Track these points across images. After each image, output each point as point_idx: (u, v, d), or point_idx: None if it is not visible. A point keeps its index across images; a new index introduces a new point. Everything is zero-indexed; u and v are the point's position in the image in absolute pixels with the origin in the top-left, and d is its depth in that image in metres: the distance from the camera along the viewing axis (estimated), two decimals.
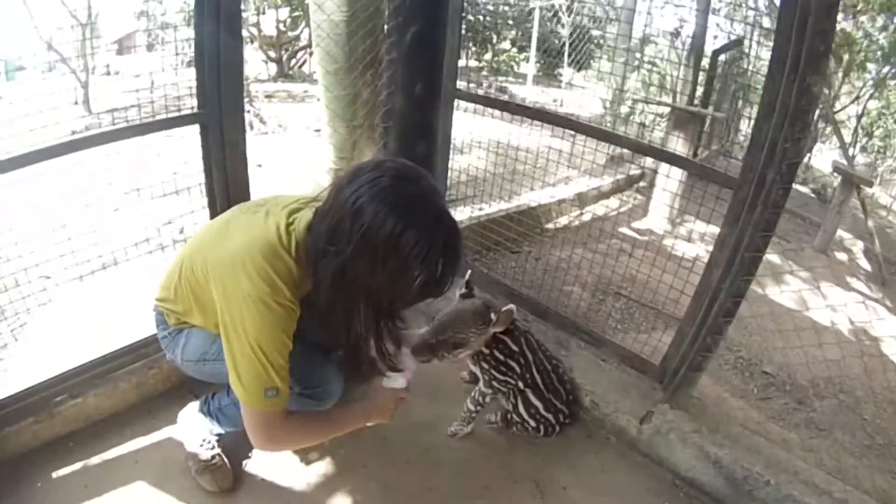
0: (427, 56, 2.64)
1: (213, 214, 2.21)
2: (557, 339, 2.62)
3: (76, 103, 8.23)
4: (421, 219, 1.37)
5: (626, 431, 2.32)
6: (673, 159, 2.43)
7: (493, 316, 1.98)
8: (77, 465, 1.98)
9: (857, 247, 6.69)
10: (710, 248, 2.13)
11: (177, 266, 1.75)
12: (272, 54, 11.84)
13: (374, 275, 1.40)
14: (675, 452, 2.20)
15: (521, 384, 2.20)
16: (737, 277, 2.01)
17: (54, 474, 1.94)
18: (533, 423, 2.24)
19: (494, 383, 2.17)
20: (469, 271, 2.18)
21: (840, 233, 6.46)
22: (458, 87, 2.68)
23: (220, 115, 2.10)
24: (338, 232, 1.40)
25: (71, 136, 1.94)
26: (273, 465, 2.07)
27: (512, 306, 1.99)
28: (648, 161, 6.07)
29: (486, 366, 2.14)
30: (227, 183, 2.19)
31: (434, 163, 2.85)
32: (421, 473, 2.12)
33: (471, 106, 2.80)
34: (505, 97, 8.62)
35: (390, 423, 1.88)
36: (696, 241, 4.84)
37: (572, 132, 2.59)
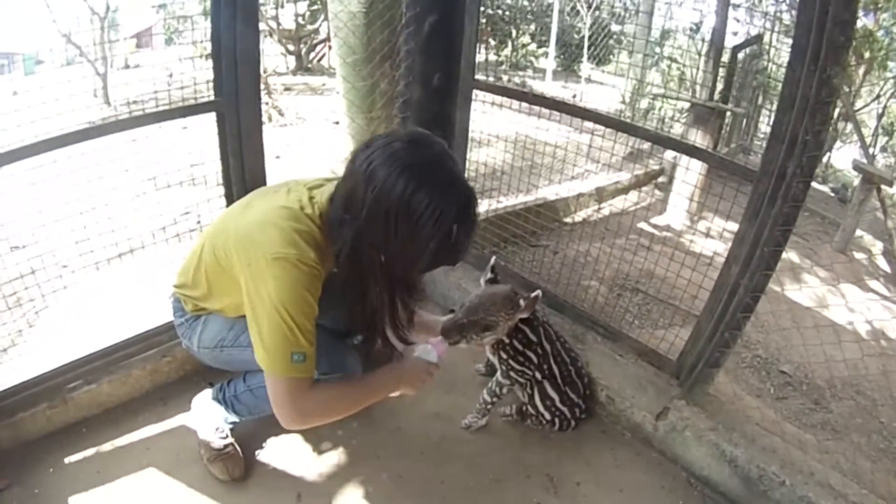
0: (445, 46, 2.60)
1: (230, 203, 2.20)
2: (574, 332, 2.59)
3: (95, 96, 8.27)
4: (433, 181, 1.37)
5: (642, 427, 2.28)
6: (692, 151, 2.39)
7: (521, 301, 1.97)
8: (90, 451, 1.99)
9: (877, 247, 6.57)
10: (730, 244, 2.09)
11: (196, 251, 1.76)
12: (291, 48, 11.85)
13: (387, 239, 1.40)
14: (690, 450, 2.16)
15: (538, 375, 2.18)
16: (756, 272, 1.97)
17: (67, 460, 1.95)
18: (548, 416, 2.22)
19: (512, 373, 2.15)
20: (494, 258, 2.17)
21: (859, 232, 6.35)
22: (476, 77, 2.64)
23: (236, 103, 2.09)
24: (353, 198, 1.41)
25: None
26: (285, 454, 2.07)
27: (538, 292, 1.98)
28: (668, 156, 6.09)
29: (504, 355, 2.13)
30: (243, 172, 2.19)
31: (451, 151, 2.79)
32: (433, 465, 2.11)
33: (489, 99, 2.77)
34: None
35: (417, 394, 1.86)
36: (714, 238, 4.78)
37: (591, 126, 2.55)
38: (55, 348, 2.21)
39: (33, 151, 1.76)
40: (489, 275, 2.11)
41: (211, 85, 2.09)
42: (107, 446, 2.02)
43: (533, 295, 1.97)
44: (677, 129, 6.08)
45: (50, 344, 2.32)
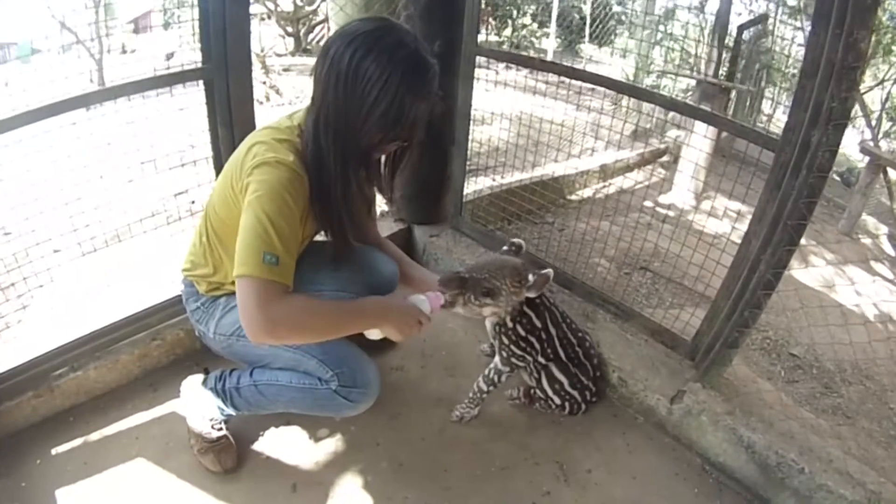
0: (446, 10, 2.51)
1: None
2: (584, 310, 2.52)
3: (91, 81, 8.17)
4: (381, 46, 1.39)
5: (655, 411, 2.21)
6: (710, 118, 2.32)
7: (530, 276, 1.85)
8: (77, 441, 1.93)
9: (882, 231, 6.56)
10: (736, 223, 2.01)
11: (200, 225, 1.77)
12: (290, 29, 11.81)
13: (337, 110, 1.43)
14: (705, 435, 2.09)
15: (541, 359, 2.09)
16: (778, 247, 1.89)
17: (54, 450, 1.89)
18: (557, 400, 2.14)
19: (513, 359, 2.05)
20: (520, 241, 2.05)
21: (864, 216, 6.35)
22: (478, 43, 2.56)
23: (225, 70, 2.00)
24: (314, 84, 1.49)
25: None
26: (279, 442, 1.99)
27: (550, 271, 1.86)
28: (671, 135, 5.99)
29: (505, 340, 2.01)
30: (233, 144, 2.08)
31: (454, 124, 2.74)
32: (436, 452, 2.03)
33: (492, 78, 2.68)
34: (526, 69, 8.41)
35: (402, 341, 1.75)
36: (721, 217, 4.72)
37: (598, 105, 2.47)
38: (42, 335, 2.13)
39: (17, 123, 1.69)
40: (505, 248, 2.00)
41: None
42: (95, 436, 1.95)
43: (543, 272, 1.85)
44: None
45: (36, 330, 2.25)
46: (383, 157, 1.74)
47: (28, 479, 1.79)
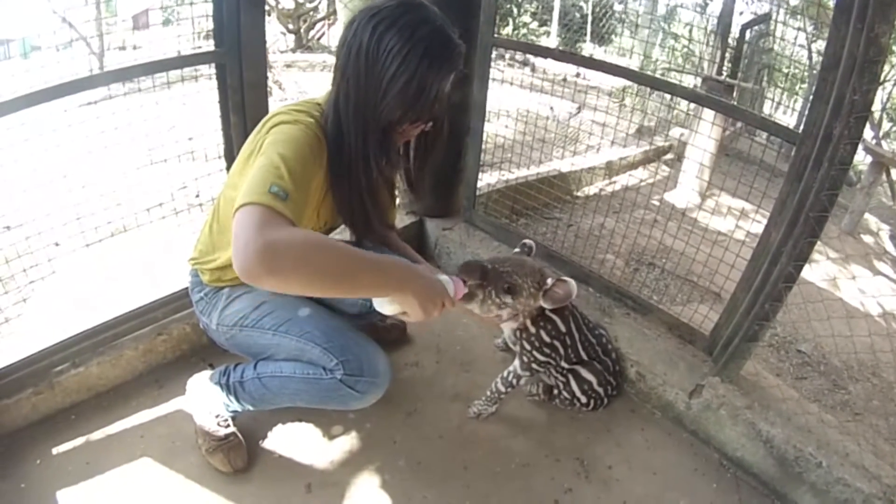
0: (463, 0, 2.47)
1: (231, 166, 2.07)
2: (600, 305, 2.49)
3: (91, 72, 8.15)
4: (405, 20, 1.38)
5: (674, 406, 2.18)
6: (731, 110, 2.30)
7: (549, 280, 1.77)
8: (79, 441, 1.87)
9: (884, 230, 6.62)
10: (741, 221, 2.00)
11: (211, 213, 1.75)
12: (290, 26, 11.86)
13: (357, 84, 1.42)
14: (724, 430, 2.07)
15: (564, 364, 2.05)
16: (800, 239, 1.87)
17: (55, 450, 1.83)
18: (584, 399, 2.10)
19: (534, 365, 1.99)
20: (531, 242, 1.96)
21: (866, 216, 6.40)
22: (495, 34, 2.52)
23: (238, 52, 1.97)
24: (336, 57, 1.47)
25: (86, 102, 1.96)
26: (291, 440, 1.94)
27: (573, 282, 1.74)
28: (675, 133, 6.00)
29: (528, 346, 1.95)
30: (245, 130, 2.05)
31: (468, 118, 2.71)
32: (455, 450, 1.98)
33: (498, 77, 2.65)
34: (528, 68, 8.47)
35: (418, 321, 1.47)
36: (725, 215, 4.72)
37: (605, 104, 2.45)
38: (42, 329, 2.08)
39: (19, 105, 1.64)
40: (517, 249, 1.92)
41: None
42: (97, 434, 1.89)
43: (564, 280, 1.75)
44: (684, 105, 6.01)
45: (37, 324, 2.18)
46: (412, 151, 1.70)
47: (28, 480, 1.72)
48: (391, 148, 1.57)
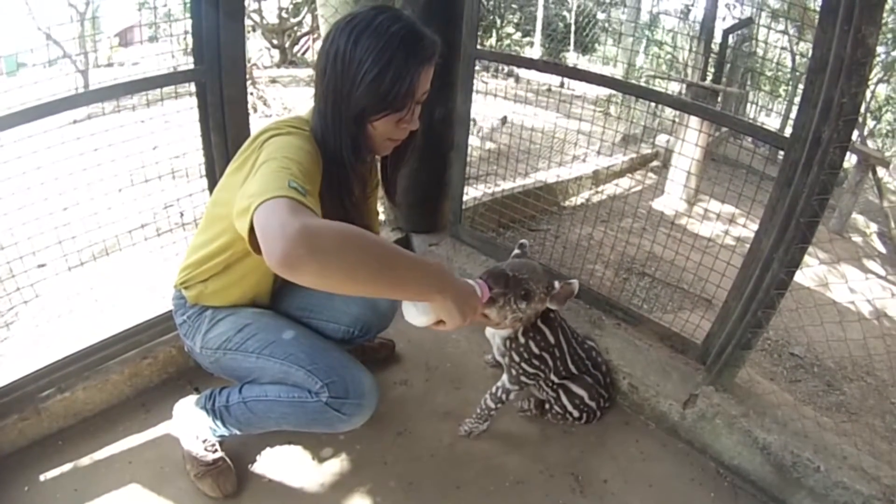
0: (445, 12, 2.48)
1: (213, 185, 2.08)
2: (590, 317, 2.47)
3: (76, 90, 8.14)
4: (377, 22, 1.41)
5: (668, 417, 2.17)
6: (718, 117, 2.31)
7: (556, 284, 1.76)
8: (66, 467, 1.83)
9: (871, 229, 6.68)
10: (729, 227, 1.99)
11: (197, 233, 1.73)
12: (275, 41, 11.92)
13: (335, 82, 1.44)
14: (720, 438, 2.06)
15: (553, 377, 2.03)
16: (791, 245, 1.87)
17: (42, 476, 1.79)
18: (576, 414, 2.09)
19: (522, 378, 1.96)
20: (524, 241, 1.94)
21: (854, 215, 6.49)
22: (478, 46, 2.53)
23: (218, 70, 1.95)
24: (317, 67, 1.51)
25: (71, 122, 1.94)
26: (282, 463, 1.91)
27: (576, 282, 1.76)
28: (660, 140, 6.02)
29: (516, 357, 1.93)
30: (227, 149, 2.04)
31: (452, 130, 2.70)
32: (447, 469, 1.95)
33: (482, 88, 2.65)
34: (512, 78, 8.49)
35: (460, 326, 1.39)
36: (713, 220, 4.74)
37: (590, 113, 2.45)
38: (26, 353, 2.05)
39: (12, 122, 1.63)
40: (517, 251, 1.89)
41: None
42: (85, 460, 1.86)
43: (569, 282, 1.75)
44: (670, 112, 6.04)
45: (21, 349, 2.16)
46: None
47: None
48: (364, 142, 1.54)
